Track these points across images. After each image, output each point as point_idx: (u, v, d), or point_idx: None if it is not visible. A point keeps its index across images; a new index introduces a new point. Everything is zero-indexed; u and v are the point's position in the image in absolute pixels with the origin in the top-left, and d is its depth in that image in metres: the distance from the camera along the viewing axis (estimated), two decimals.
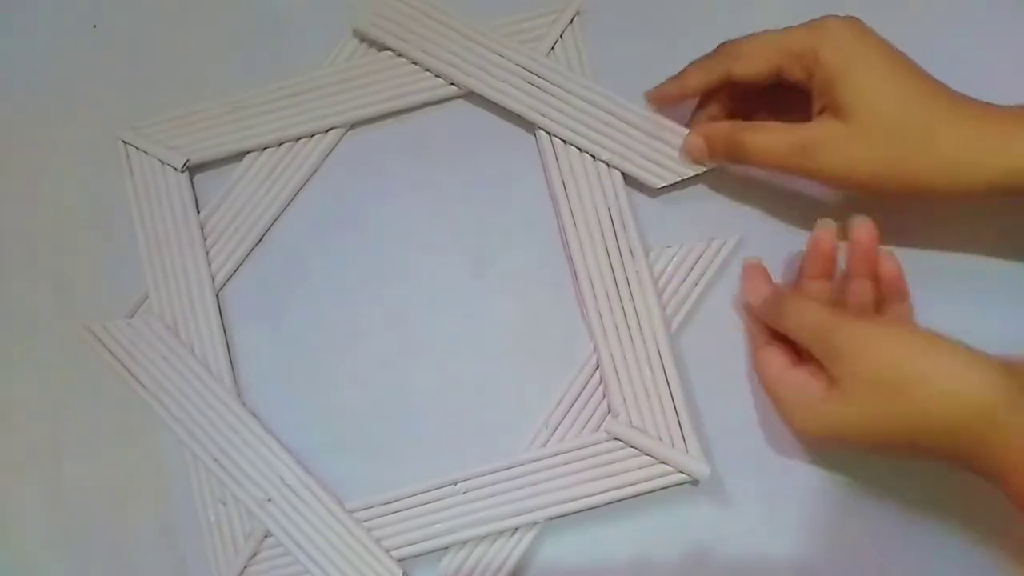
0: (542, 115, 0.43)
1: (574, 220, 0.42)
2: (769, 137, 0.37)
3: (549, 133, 0.43)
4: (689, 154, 0.41)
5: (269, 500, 0.41)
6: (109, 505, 0.44)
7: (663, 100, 0.42)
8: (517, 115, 0.43)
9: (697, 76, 0.40)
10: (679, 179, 0.42)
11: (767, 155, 0.37)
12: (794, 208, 0.42)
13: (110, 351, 0.44)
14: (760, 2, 0.44)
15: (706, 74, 0.40)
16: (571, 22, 0.45)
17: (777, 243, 0.42)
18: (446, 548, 0.41)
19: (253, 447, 0.42)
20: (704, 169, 0.41)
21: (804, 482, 0.40)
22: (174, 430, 0.43)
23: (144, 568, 0.43)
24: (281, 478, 0.42)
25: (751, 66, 0.38)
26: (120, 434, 0.44)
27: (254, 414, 0.43)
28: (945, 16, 0.43)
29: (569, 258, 0.43)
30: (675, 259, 0.42)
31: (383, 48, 0.45)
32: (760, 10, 0.43)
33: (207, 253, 0.44)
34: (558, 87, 0.43)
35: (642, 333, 0.41)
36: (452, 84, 0.44)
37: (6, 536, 0.43)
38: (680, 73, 0.41)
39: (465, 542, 0.40)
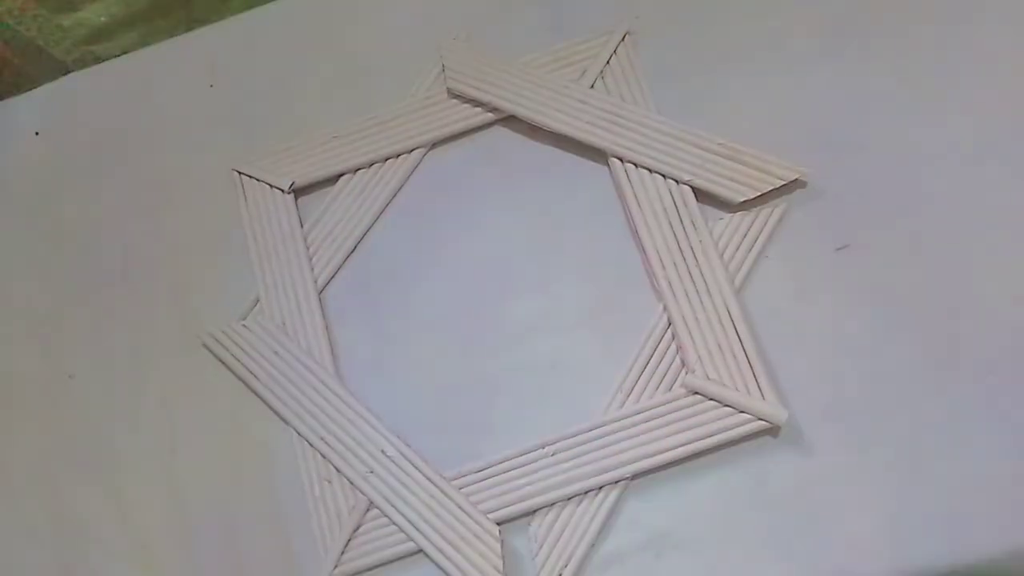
0: (615, 144, 0.48)
1: (639, 203, 0.46)
2: None
3: (622, 159, 0.47)
4: None
5: (371, 472, 0.44)
6: (221, 492, 0.46)
7: None
8: None
9: None
10: (757, 194, 0.45)
11: None
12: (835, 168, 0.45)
13: (228, 351, 0.48)
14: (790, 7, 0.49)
15: None
16: (622, 40, 0.51)
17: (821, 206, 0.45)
18: (537, 510, 0.42)
19: (356, 424, 0.45)
20: (775, 185, 0.45)
21: (887, 428, 0.41)
22: (283, 415, 0.46)
23: (253, 548, 0.45)
24: (382, 451, 0.44)
25: None
26: (231, 428, 0.47)
27: (354, 395, 0.46)
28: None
29: (636, 234, 0.46)
30: (730, 227, 0.45)
31: (472, 101, 0.51)
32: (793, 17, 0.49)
33: (310, 260, 0.49)
34: (630, 120, 0.48)
35: (710, 294, 0.44)
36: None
37: (127, 523, 0.46)
38: None
39: (555, 503, 0.42)
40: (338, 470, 0.45)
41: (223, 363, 0.48)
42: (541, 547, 0.42)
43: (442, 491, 0.43)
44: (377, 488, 0.44)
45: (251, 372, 0.47)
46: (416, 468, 0.44)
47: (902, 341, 0.42)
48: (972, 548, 0.38)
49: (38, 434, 0.47)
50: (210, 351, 0.49)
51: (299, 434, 0.46)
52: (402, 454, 0.44)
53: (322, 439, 0.45)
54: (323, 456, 0.45)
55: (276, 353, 0.47)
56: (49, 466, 0.46)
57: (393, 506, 0.44)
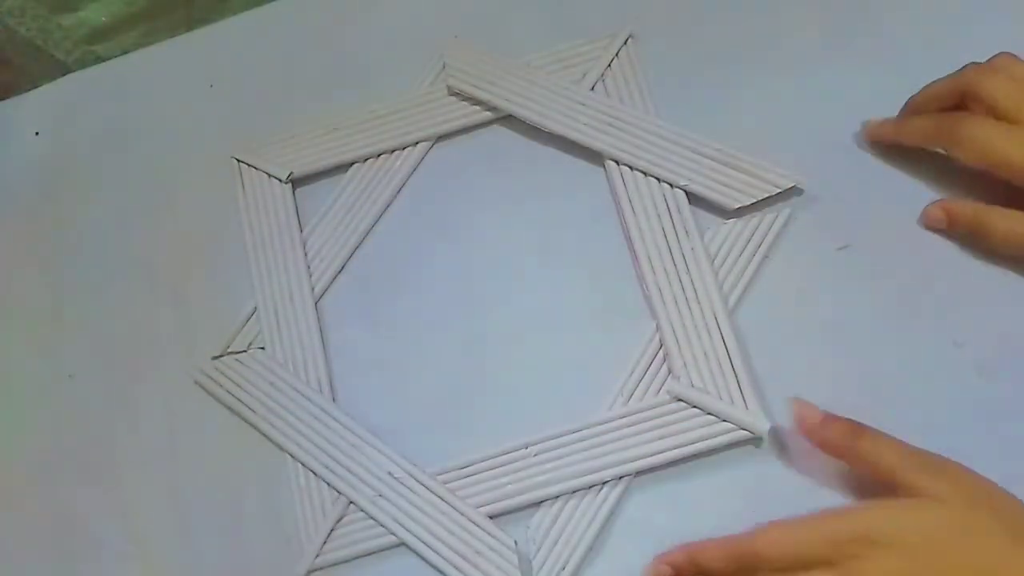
0: (612, 147, 0.48)
1: (632, 207, 0.47)
2: (1019, 226, 0.39)
3: (618, 162, 0.48)
4: (927, 223, 0.43)
5: (379, 496, 0.44)
6: (221, 492, 0.47)
7: (876, 138, 0.45)
8: None
9: (916, 135, 0.43)
10: (753, 201, 0.45)
11: (1015, 245, 0.39)
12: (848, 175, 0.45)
13: (221, 386, 0.48)
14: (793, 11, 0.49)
15: (925, 139, 0.42)
16: (625, 43, 0.51)
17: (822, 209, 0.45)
18: (521, 508, 0.43)
19: (359, 448, 0.45)
20: (771, 193, 0.45)
21: (887, 429, 0.40)
22: (280, 443, 0.46)
23: (254, 548, 0.46)
24: (389, 473, 0.44)
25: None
26: (232, 426, 0.48)
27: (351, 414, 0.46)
28: None
29: (629, 240, 0.46)
30: (731, 235, 0.46)
31: (471, 100, 0.51)
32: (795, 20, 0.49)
33: (306, 256, 0.50)
34: (628, 123, 0.48)
35: (699, 301, 0.44)
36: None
37: (127, 523, 0.47)
38: (903, 121, 0.44)
39: (537, 502, 0.43)
40: (352, 502, 0.45)
41: (216, 398, 0.48)
42: (539, 548, 0.42)
43: (423, 486, 0.44)
44: (386, 510, 0.44)
45: (246, 405, 0.47)
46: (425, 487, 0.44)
47: (903, 342, 0.42)
48: None
49: (38, 434, 0.48)
50: (201, 387, 0.48)
51: (304, 465, 0.46)
52: (410, 474, 0.44)
53: (326, 468, 0.45)
54: (331, 486, 0.45)
55: (271, 384, 0.47)
56: (49, 466, 0.47)
57: (386, 513, 0.44)
